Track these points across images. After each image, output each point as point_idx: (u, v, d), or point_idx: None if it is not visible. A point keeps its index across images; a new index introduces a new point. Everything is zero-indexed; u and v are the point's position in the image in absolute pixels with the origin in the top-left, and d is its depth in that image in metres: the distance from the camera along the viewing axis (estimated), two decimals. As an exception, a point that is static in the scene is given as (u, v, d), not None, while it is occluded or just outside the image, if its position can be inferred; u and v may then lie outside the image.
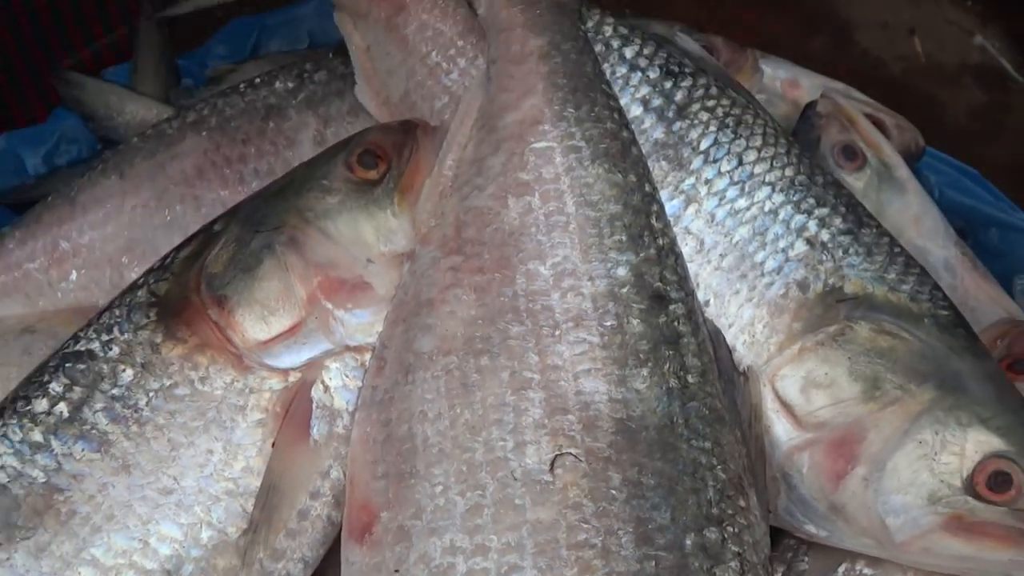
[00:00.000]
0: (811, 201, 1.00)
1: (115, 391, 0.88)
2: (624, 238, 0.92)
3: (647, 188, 0.97)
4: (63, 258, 1.16)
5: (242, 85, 1.21)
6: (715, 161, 1.01)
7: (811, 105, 1.22)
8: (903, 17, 2.62)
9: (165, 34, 1.37)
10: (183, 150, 1.17)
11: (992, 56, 2.58)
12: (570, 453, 0.81)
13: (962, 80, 2.51)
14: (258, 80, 1.21)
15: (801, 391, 0.92)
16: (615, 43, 1.05)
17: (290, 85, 1.19)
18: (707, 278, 0.97)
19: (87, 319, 1.04)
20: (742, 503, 0.83)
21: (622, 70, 1.04)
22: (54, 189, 1.24)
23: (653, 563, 0.76)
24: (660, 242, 0.94)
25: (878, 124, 1.25)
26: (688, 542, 0.78)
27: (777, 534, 0.95)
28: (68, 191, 1.20)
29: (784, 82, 1.33)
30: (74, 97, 1.31)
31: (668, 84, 1.04)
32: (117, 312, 0.93)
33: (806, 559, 0.95)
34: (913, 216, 1.18)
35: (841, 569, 0.93)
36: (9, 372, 1.08)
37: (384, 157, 0.96)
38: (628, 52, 1.05)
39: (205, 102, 1.21)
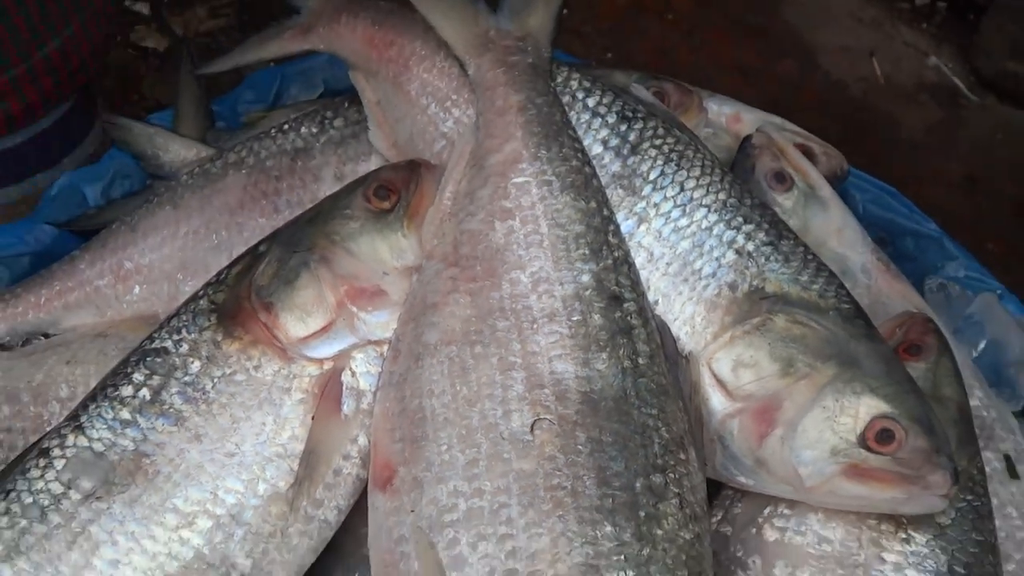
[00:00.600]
0: (740, 219, 1.10)
1: (187, 379, 0.98)
2: (587, 252, 1.03)
3: (605, 212, 1.07)
4: (127, 276, 1.24)
5: (273, 130, 1.28)
6: (662, 188, 1.11)
7: (748, 138, 1.29)
8: (863, 41, 2.69)
9: (202, 85, 1.43)
10: (226, 185, 1.25)
11: (945, 75, 2.67)
12: (546, 419, 0.92)
13: (918, 98, 2.59)
14: (286, 126, 1.28)
15: (732, 370, 1.03)
16: (580, 95, 1.16)
17: (314, 130, 1.26)
18: (656, 282, 1.07)
19: (149, 325, 1.14)
20: (683, 456, 0.95)
21: (585, 116, 1.14)
22: (113, 218, 1.31)
23: (610, 500, 0.88)
24: (616, 254, 1.05)
25: (808, 152, 1.31)
26: (638, 485, 0.90)
27: (716, 486, 1.05)
28: (129, 220, 1.28)
29: (728, 117, 1.36)
30: (123, 139, 1.35)
31: (623, 127, 1.14)
32: (184, 317, 1.03)
33: (739, 504, 1.05)
34: (835, 228, 1.25)
35: (766, 511, 1.03)
36: (88, 369, 1.17)
37: (395, 190, 1.06)
38: (590, 101, 1.15)
39: (243, 144, 1.29)
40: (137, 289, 1.24)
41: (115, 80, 2.36)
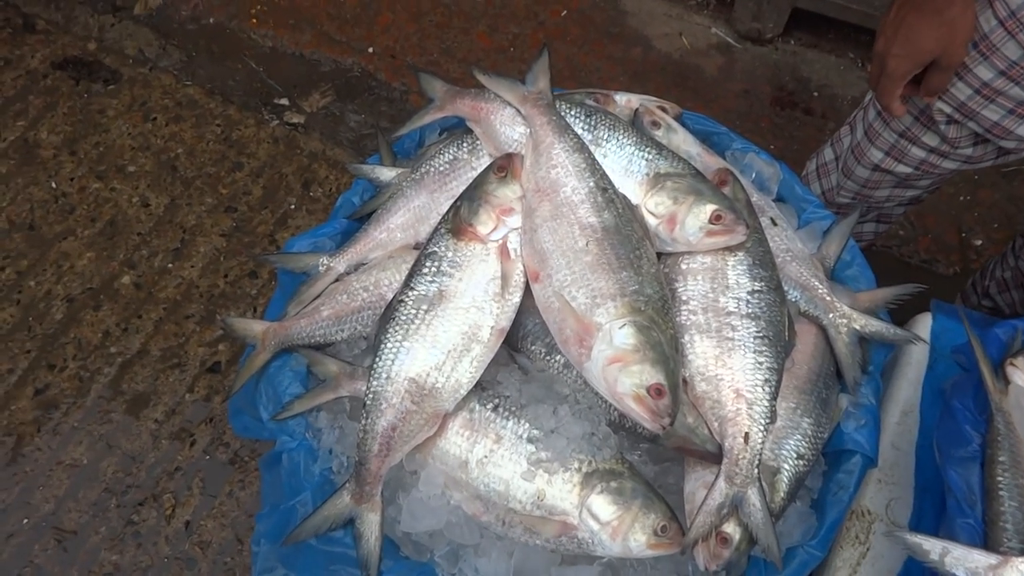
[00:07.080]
0: (643, 145, 1.28)
1: (447, 260, 1.17)
2: (589, 173, 1.21)
3: (592, 158, 1.24)
4: (393, 230, 1.36)
5: (435, 153, 1.37)
6: (608, 140, 1.29)
7: (637, 109, 1.43)
8: (675, 28, 3.25)
9: (389, 140, 1.49)
10: (424, 182, 1.37)
11: (722, 37, 3.23)
12: (590, 239, 1.14)
13: (709, 53, 3.16)
14: (441, 149, 1.37)
15: (654, 207, 1.22)
16: (567, 109, 1.31)
17: (455, 149, 1.37)
18: (615, 177, 1.23)
19: (410, 249, 1.32)
20: (645, 243, 1.16)
21: (571, 119, 1.30)
22: (373, 208, 1.40)
23: (625, 261, 1.11)
24: (600, 172, 1.22)
25: (662, 108, 1.45)
26: (631, 255, 1.13)
27: (658, 254, 1.18)
28: (384, 208, 1.38)
29: (626, 101, 1.46)
30: (360, 174, 1.43)
31: (587, 119, 1.31)
32: (435, 238, 1.20)
33: (668, 258, 1.22)
34: (681, 141, 1.41)
35: (680, 257, 1.21)
36: (391, 272, 1.30)
37: (505, 167, 1.21)
38: (573, 111, 1.31)
39: (424, 163, 1.38)
40: (399, 234, 1.36)
41: (283, 144, 2.81)
